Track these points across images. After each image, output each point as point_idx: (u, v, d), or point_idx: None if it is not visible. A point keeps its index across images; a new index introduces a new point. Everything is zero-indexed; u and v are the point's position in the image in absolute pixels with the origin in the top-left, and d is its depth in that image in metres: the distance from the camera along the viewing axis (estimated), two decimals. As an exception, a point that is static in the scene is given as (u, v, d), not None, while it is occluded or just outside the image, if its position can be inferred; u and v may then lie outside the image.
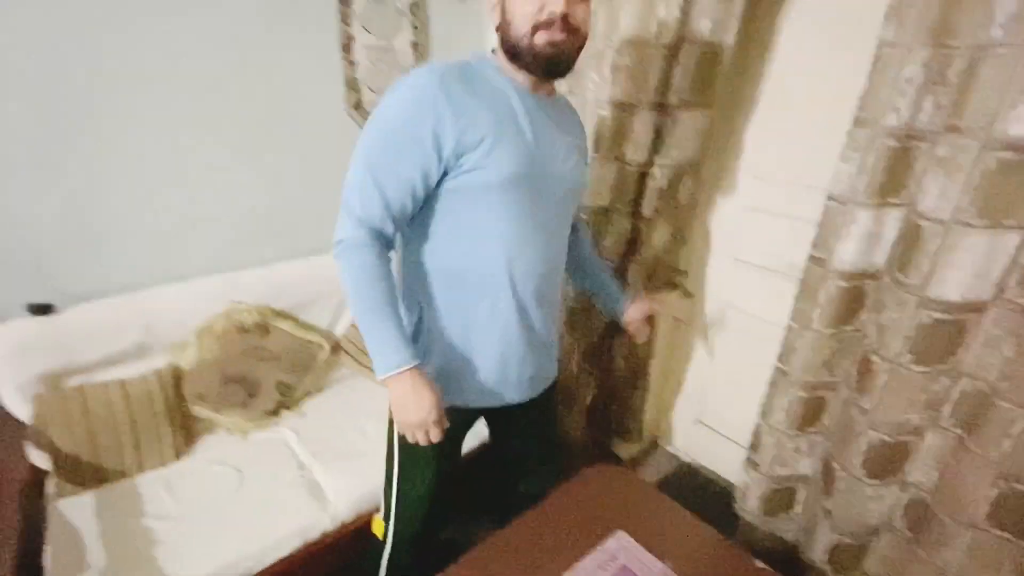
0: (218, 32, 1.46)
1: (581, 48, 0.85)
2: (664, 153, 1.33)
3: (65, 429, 1.27)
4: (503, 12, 0.82)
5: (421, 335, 0.93)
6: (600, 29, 1.34)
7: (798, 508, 1.30)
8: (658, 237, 1.43)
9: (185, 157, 1.49)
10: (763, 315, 1.49)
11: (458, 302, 0.90)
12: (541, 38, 0.79)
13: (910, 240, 0.98)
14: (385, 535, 1.08)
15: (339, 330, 1.78)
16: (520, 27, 0.80)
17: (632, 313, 1.14)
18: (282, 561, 1.19)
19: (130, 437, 1.33)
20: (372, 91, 1.76)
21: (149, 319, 1.42)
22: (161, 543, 1.15)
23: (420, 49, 1.83)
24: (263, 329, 1.56)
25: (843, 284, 1.07)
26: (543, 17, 0.78)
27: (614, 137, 1.36)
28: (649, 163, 1.35)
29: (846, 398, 1.15)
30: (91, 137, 1.34)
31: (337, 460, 1.38)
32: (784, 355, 1.20)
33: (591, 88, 1.40)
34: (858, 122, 0.99)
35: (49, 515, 1.19)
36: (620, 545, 1.01)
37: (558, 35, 0.79)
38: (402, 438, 0.97)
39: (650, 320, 1.17)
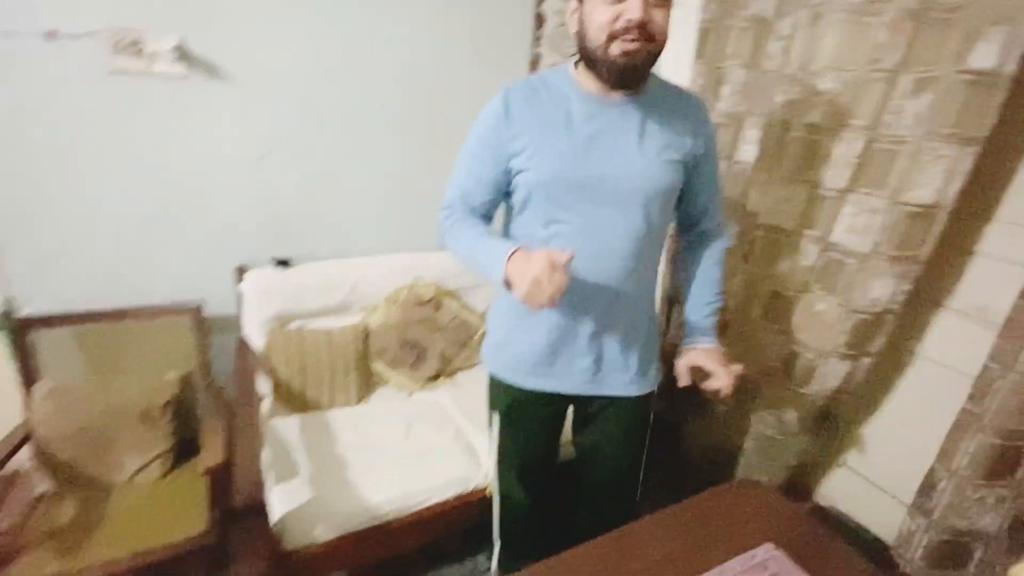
0: (426, 47, 1.72)
1: (658, 55, 0.85)
2: (885, 186, 1.20)
3: (285, 361, 1.57)
4: (580, 20, 0.86)
5: (496, 306, 1.09)
6: (796, 53, 1.36)
7: (972, 569, 1.19)
8: (880, 287, 1.24)
9: (386, 155, 1.77)
10: (934, 357, 1.38)
11: None
12: (616, 47, 0.81)
13: None
14: (493, 496, 1.22)
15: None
16: (596, 37, 0.82)
17: (693, 356, 1.03)
18: (440, 504, 1.36)
19: (328, 376, 1.60)
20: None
21: (354, 283, 1.70)
22: (349, 466, 1.37)
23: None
24: (436, 304, 1.78)
25: (1063, 327, 0.98)
26: (619, 25, 0.79)
27: (805, 160, 1.34)
28: (850, 191, 1.27)
29: (1052, 453, 1.04)
30: (320, 134, 1.66)
31: (487, 427, 1.53)
32: (976, 397, 1.12)
33: (778, 110, 1.42)
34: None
35: (265, 429, 1.48)
36: (770, 555, 0.99)
37: (632, 44, 0.80)
38: (499, 419, 1.12)
39: (699, 375, 1.02)
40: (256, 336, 1.58)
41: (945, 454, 1.19)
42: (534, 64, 1.87)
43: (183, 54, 1.40)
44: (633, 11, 0.78)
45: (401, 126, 1.76)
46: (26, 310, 1.41)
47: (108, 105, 1.38)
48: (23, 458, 1.29)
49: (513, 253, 0.84)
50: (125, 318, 1.47)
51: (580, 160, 0.89)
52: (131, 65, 1.37)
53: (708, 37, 1.75)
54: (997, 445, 1.09)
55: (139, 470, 1.35)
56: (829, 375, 1.37)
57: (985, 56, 1.04)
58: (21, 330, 1.38)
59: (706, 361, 1.01)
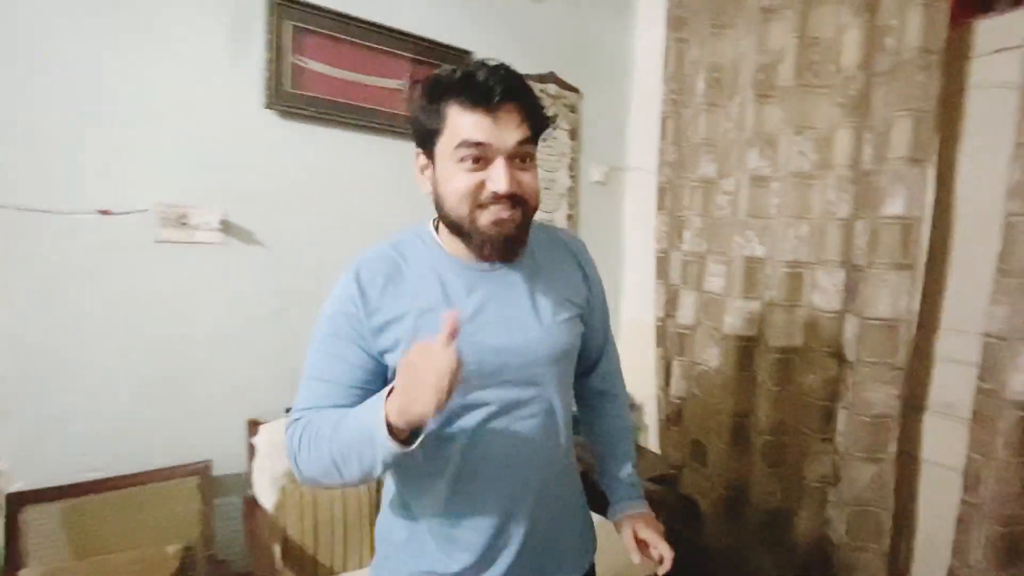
0: (362, 203, 1.93)
1: (532, 217, 0.77)
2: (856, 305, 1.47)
3: (296, 520, 1.48)
4: (435, 182, 0.75)
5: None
6: (744, 205, 1.68)
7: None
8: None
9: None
10: (928, 457, 1.52)
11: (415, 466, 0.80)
12: (485, 217, 0.72)
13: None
14: None
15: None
16: (458, 206, 0.73)
17: (635, 527, 0.91)
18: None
19: (341, 536, 1.52)
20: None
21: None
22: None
23: (573, 220, 2.29)
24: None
25: (1020, 413, 1.15)
26: (485, 196, 0.71)
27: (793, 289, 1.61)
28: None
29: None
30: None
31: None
32: (970, 488, 1.23)
33: (741, 248, 1.70)
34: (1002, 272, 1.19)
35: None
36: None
37: (504, 213, 0.72)
38: None
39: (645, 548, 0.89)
40: (267, 494, 1.50)
41: (959, 549, 1.27)
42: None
43: (225, 225, 1.56)
44: (499, 182, 0.70)
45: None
46: (17, 484, 1.32)
47: (145, 272, 1.47)
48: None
49: (385, 397, 0.66)
50: (126, 485, 1.39)
51: (470, 340, 0.72)
52: (175, 235, 1.50)
53: (666, 193, 2.12)
54: (1003, 533, 1.19)
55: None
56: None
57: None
58: (9, 508, 1.27)
59: (645, 531, 0.90)
